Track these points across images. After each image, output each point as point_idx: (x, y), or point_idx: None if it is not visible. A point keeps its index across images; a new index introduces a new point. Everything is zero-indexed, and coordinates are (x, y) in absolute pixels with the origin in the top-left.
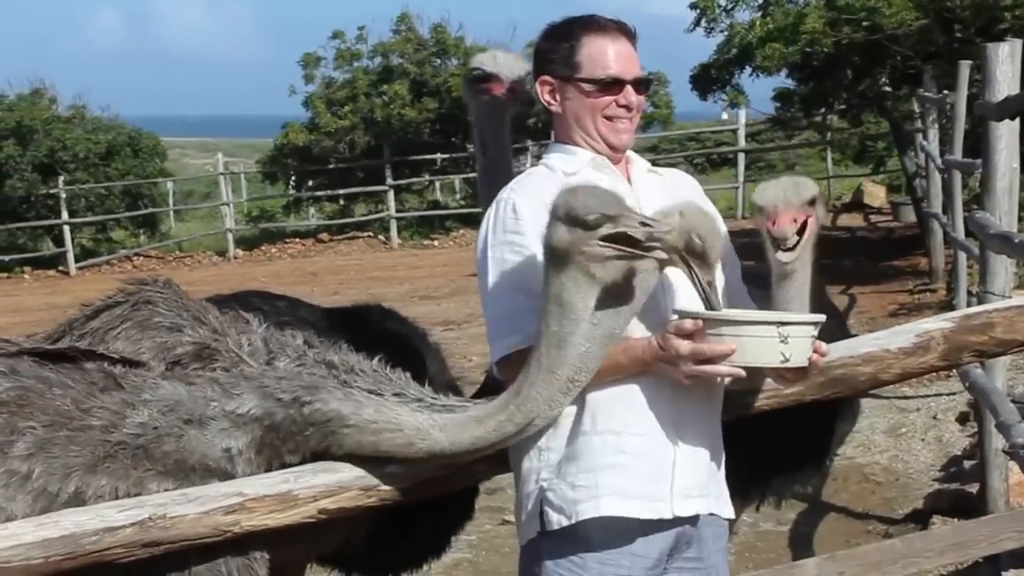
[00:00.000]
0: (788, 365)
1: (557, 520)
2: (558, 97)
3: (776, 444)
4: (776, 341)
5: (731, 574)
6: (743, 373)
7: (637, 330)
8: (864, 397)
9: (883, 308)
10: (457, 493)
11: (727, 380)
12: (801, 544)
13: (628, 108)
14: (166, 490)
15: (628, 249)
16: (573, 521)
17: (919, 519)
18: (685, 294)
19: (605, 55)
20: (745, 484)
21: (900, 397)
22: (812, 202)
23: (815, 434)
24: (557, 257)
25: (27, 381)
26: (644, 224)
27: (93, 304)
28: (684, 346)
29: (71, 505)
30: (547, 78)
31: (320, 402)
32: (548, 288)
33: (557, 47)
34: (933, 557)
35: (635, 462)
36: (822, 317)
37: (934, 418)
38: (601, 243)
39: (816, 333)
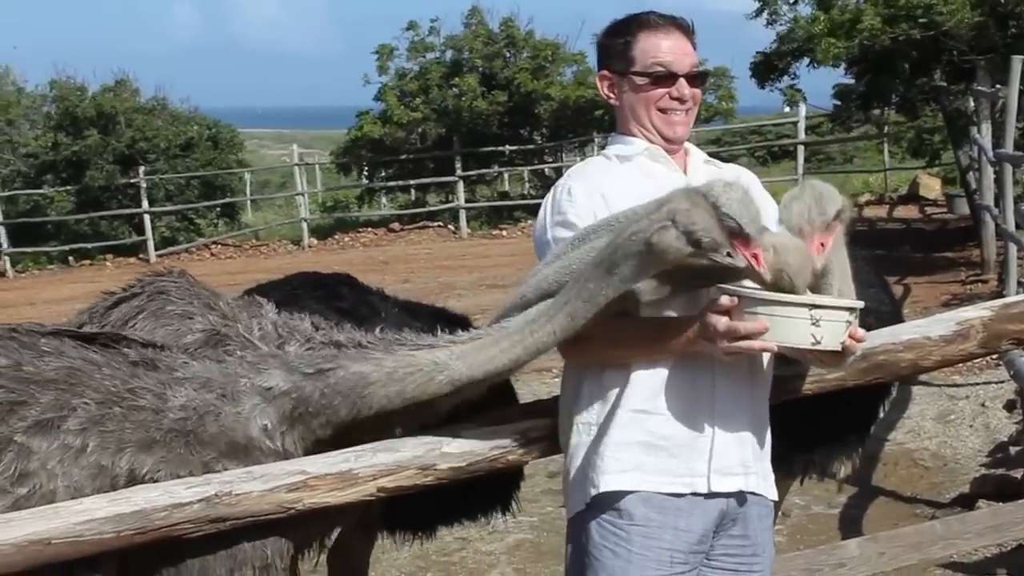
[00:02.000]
0: (819, 348)
1: (594, 489)
2: (615, 91)
3: (818, 417)
4: (808, 323)
5: (782, 554)
6: (775, 347)
7: (688, 312)
8: (915, 385)
9: (936, 298)
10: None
11: (765, 357)
12: (851, 526)
13: (681, 101)
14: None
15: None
16: (605, 489)
17: (965, 503)
18: None
19: (658, 49)
20: (787, 457)
21: (950, 385)
22: (838, 214)
23: (857, 407)
24: (652, 253)
25: (75, 361)
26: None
27: (114, 294)
28: (721, 323)
29: (127, 481)
30: (606, 72)
31: (342, 368)
32: (610, 252)
33: (614, 43)
34: (972, 539)
35: (664, 441)
36: (859, 304)
37: (982, 405)
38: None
39: (852, 319)
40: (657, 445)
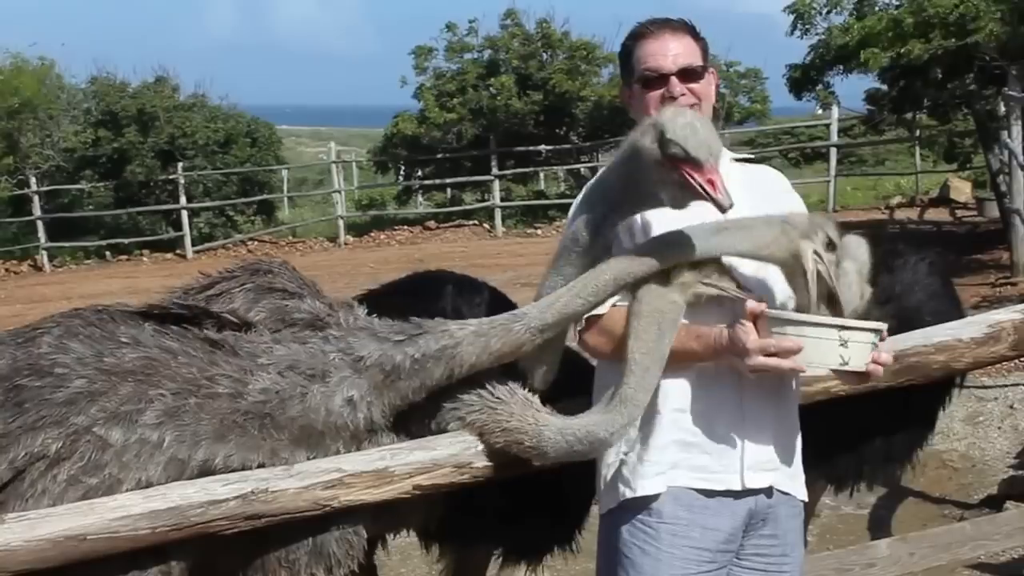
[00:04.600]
0: (846, 368)
1: (630, 491)
2: (632, 101)
3: (875, 433)
4: (836, 344)
5: (811, 554)
6: (805, 368)
7: (713, 320)
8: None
9: (966, 300)
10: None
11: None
12: (880, 527)
13: (674, 98)
14: (308, 458)
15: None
16: (643, 493)
17: (993, 504)
18: (758, 283)
19: (647, 54)
20: (840, 470)
21: (979, 387)
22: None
23: (913, 422)
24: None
25: (152, 351)
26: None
27: (210, 276)
28: (751, 340)
29: (201, 473)
30: (624, 87)
31: (429, 332)
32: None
33: (623, 57)
34: (1001, 540)
35: (699, 439)
36: (883, 326)
37: (1011, 407)
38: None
39: (877, 341)
40: (691, 443)
